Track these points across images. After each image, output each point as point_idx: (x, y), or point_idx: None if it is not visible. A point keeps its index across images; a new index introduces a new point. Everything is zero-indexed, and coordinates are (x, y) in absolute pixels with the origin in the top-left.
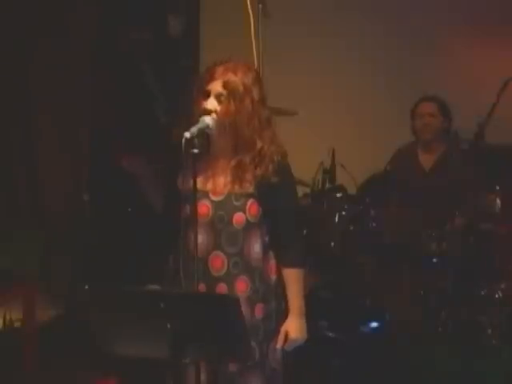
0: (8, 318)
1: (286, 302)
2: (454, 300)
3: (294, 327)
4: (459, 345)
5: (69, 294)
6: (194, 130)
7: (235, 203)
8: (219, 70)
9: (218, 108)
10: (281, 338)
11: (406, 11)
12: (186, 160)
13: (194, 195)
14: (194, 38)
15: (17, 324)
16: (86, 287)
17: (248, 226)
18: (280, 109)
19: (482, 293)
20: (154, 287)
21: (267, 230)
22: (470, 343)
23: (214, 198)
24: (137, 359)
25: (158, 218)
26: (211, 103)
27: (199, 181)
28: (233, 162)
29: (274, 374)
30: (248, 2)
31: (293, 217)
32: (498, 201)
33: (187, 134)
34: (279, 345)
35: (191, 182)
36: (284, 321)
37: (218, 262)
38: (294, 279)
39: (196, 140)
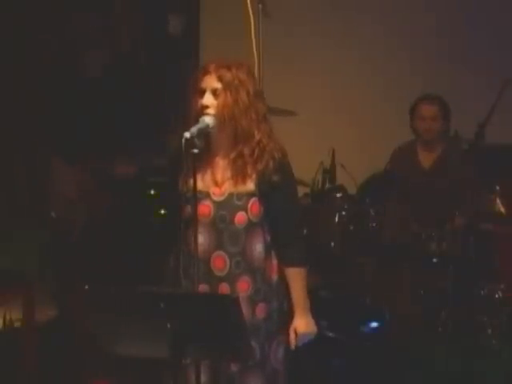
0: (8, 317)
1: (288, 301)
2: (454, 300)
3: (301, 323)
4: (459, 345)
5: (68, 294)
6: (194, 130)
7: (237, 202)
8: (212, 66)
9: (215, 102)
10: (292, 337)
11: (406, 11)
12: (186, 160)
13: (195, 195)
14: (194, 38)
15: (17, 324)
16: (86, 287)
17: (250, 226)
18: (280, 109)
19: (482, 293)
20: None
21: (269, 230)
22: (470, 343)
23: (216, 198)
24: (136, 359)
25: (158, 217)
26: (207, 98)
27: (200, 181)
28: (232, 154)
29: (276, 375)
30: (248, 2)
31: (294, 216)
32: (498, 201)
33: (187, 134)
34: (292, 345)
35: (192, 182)
36: (286, 321)
37: (221, 262)
38: (297, 278)
39: (196, 140)
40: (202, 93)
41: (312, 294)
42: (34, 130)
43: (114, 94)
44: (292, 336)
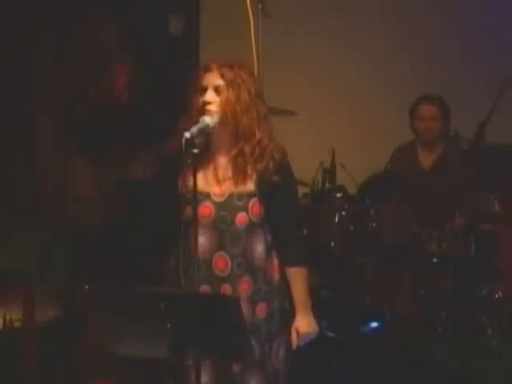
0: (8, 317)
1: (289, 301)
2: (453, 300)
3: (302, 323)
4: (459, 345)
5: (68, 294)
6: (194, 130)
7: (237, 203)
8: (214, 64)
9: (217, 99)
10: (293, 337)
11: (406, 11)
12: (186, 160)
13: (194, 195)
14: (194, 38)
15: (17, 324)
16: (86, 287)
17: (251, 226)
18: (280, 109)
19: (482, 293)
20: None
21: (269, 230)
22: (470, 343)
23: (216, 199)
24: (136, 359)
25: (159, 218)
26: (210, 95)
27: (200, 182)
28: (233, 152)
29: (277, 374)
30: (248, 2)
31: (294, 216)
32: (498, 201)
33: (187, 134)
34: (294, 345)
35: (192, 182)
36: (288, 321)
37: (222, 263)
38: (298, 278)
39: (196, 140)
40: (204, 90)
41: (312, 293)
42: (35, 129)
43: (116, 95)
44: (294, 336)
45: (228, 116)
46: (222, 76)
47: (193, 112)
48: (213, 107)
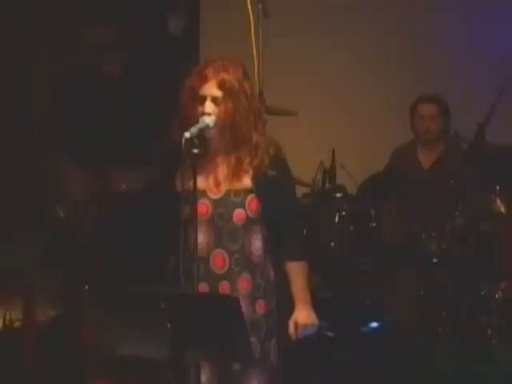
0: (8, 318)
1: (286, 297)
2: (453, 300)
3: (301, 314)
4: (459, 345)
5: (68, 294)
6: (194, 130)
7: (234, 200)
8: (209, 71)
9: (217, 110)
10: (292, 329)
11: (406, 11)
12: (185, 160)
13: (194, 195)
14: (194, 38)
15: (17, 324)
16: (86, 287)
17: (248, 223)
18: (280, 109)
19: (482, 293)
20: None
21: (267, 226)
22: (470, 343)
23: (213, 196)
24: (136, 359)
25: (158, 218)
26: (209, 107)
27: (197, 180)
28: (232, 160)
29: (273, 371)
30: (248, 2)
31: (293, 210)
32: (498, 201)
33: (187, 134)
34: (293, 336)
35: (190, 181)
36: (284, 318)
37: (220, 260)
38: (298, 271)
39: (196, 140)
40: (203, 99)
41: (312, 294)
42: (35, 129)
43: (116, 95)
44: (292, 328)
45: (227, 125)
46: (220, 86)
47: (191, 119)
48: (212, 117)
